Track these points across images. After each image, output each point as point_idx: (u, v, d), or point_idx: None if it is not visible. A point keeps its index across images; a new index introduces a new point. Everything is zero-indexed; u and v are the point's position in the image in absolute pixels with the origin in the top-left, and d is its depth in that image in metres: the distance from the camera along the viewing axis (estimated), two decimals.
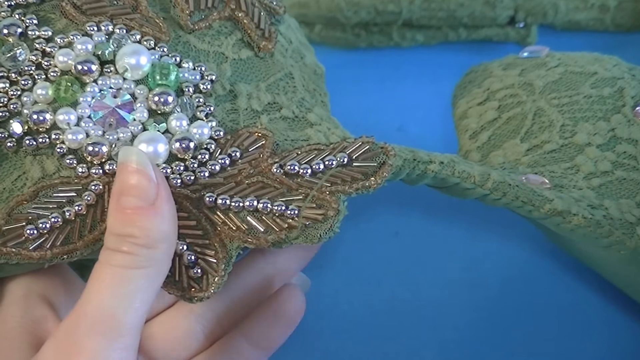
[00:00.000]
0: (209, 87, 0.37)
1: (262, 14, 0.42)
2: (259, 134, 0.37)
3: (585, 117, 0.46)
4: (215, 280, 0.34)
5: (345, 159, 0.36)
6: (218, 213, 0.35)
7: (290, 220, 0.34)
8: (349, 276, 0.48)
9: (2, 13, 0.37)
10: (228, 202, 0.35)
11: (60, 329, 0.31)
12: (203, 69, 0.38)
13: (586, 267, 0.47)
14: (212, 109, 0.37)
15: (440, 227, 0.51)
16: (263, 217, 0.35)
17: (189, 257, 0.34)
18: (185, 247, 0.34)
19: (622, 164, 0.44)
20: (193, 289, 0.34)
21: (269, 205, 0.34)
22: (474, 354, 0.46)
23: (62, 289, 0.38)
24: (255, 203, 0.34)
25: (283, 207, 0.34)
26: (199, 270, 0.34)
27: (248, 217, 0.35)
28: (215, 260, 0.34)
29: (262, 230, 0.34)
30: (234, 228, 0.34)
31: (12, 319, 0.35)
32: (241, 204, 0.35)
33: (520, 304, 0.48)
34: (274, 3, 0.43)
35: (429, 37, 0.65)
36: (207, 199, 0.35)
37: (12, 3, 0.38)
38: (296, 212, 0.34)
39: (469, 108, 0.53)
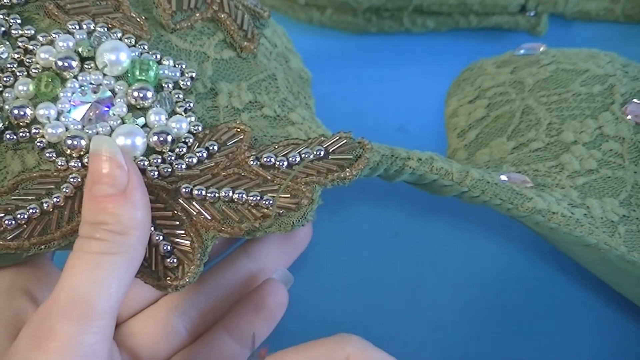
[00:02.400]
0: (188, 84, 0.38)
1: (245, 16, 0.42)
2: (238, 129, 0.37)
3: (573, 115, 0.46)
4: (191, 269, 0.34)
5: (322, 152, 0.36)
6: (194, 203, 0.35)
7: (265, 210, 0.34)
8: (348, 276, 0.48)
9: None
10: (204, 192, 0.35)
11: (34, 316, 0.31)
12: (184, 66, 0.38)
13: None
14: (191, 104, 0.37)
15: (441, 228, 0.51)
16: (238, 207, 0.35)
17: (164, 247, 0.34)
18: (161, 238, 0.34)
19: (607, 162, 0.44)
20: (169, 278, 0.34)
21: (244, 195, 0.35)
22: (474, 354, 0.46)
23: (44, 282, 0.38)
24: (230, 194, 0.35)
25: (258, 198, 0.35)
26: (175, 260, 0.34)
27: (223, 207, 0.35)
28: (190, 250, 0.34)
29: (237, 219, 0.34)
30: (209, 218, 0.35)
31: None
32: (217, 195, 0.35)
33: (520, 304, 0.48)
34: (258, 7, 0.44)
35: (440, 24, 0.65)
36: (184, 189, 0.35)
37: None
38: (270, 202, 0.34)
39: (459, 106, 0.53)
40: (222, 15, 0.41)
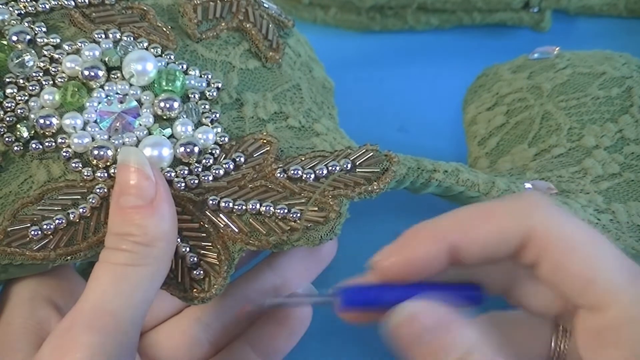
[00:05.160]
0: (214, 94, 0.38)
1: (270, 26, 0.42)
2: (264, 140, 0.37)
3: (593, 119, 0.46)
4: (218, 281, 0.34)
5: (349, 165, 0.36)
6: (221, 216, 0.35)
7: (293, 222, 0.34)
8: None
9: (12, 21, 0.38)
10: (231, 205, 0.35)
11: (58, 326, 0.31)
12: (209, 76, 0.38)
13: None
14: (217, 115, 0.37)
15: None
16: (265, 219, 0.35)
17: (191, 259, 0.34)
18: (188, 249, 0.34)
19: (630, 165, 0.43)
20: (195, 290, 0.34)
21: (271, 208, 0.34)
22: None
23: (67, 291, 0.38)
24: (258, 206, 0.34)
25: (285, 210, 0.34)
26: (202, 272, 0.34)
27: (251, 220, 0.35)
28: (217, 262, 0.34)
29: (264, 232, 0.34)
30: (236, 230, 0.34)
31: (17, 320, 0.36)
32: (244, 207, 0.35)
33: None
34: (283, 16, 0.44)
35: (443, 21, 0.66)
36: (211, 201, 0.35)
37: (22, 12, 0.38)
38: (298, 215, 0.34)
39: (478, 114, 0.53)
40: (248, 25, 0.41)
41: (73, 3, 0.38)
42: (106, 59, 0.37)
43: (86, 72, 0.36)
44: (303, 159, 0.37)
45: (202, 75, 0.38)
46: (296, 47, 0.45)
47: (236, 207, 0.35)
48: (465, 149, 0.56)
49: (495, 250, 0.30)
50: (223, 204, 0.35)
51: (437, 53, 0.65)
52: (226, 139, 0.37)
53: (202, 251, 0.34)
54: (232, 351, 0.40)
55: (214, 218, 0.35)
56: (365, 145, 0.37)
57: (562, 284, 0.29)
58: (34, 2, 0.38)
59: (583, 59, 0.51)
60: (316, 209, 0.34)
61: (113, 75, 0.36)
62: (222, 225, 0.35)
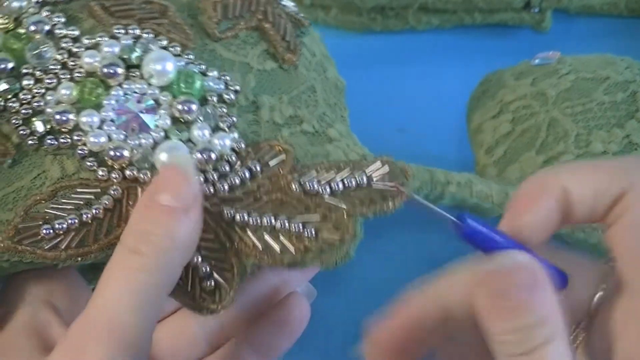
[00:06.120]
0: (232, 97, 0.37)
1: (288, 26, 0.42)
2: (280, 148, 0.37)
3: (600, 124, 0.46)
4: (230, 294, 0.34)
5: (364, 179, 0.36)
6: (236, 228, 0.35)
7: (307, 241, 0.34)
8: (372, 291, 0.48)
9: (30, 9, 0.37)
10: (246, 218, 0.34)
11: (68, 334, 0.30)
12: (228, 78, 0.38)
13: None
14: (234, 119, 0.37)
15: (441, 234, 0.51)
16: (280, 235, 0.34)
17: (203, 269, 0.34)
18: (200, 259, 0.34)
19: None
20: (205, 301, 0.34)
21: (286, 223, 0.34)
22: None
23: (66, 293, 0.38)
24: (272, 221, 0.34)
25: (300, 227, 0.34)
26: (213, 283, 0.34)
27: (265, 235, 0.34)
28: (230, 275, 0.34)
29: (279, 250, 0.34)
30: (250, 246, 0.34)
31: (18, 323, 0.35)
32: (259, 221, 0.34)
33: None
34: (300, 15, 0.43)
35: (444, 21, 0.66)
36: (226, 214, 0.35)
37: (40, 0, 0.38)
38: (313, 232, 0.34)
39: (483, 122, 0.53)
40: (267, 25, 0.41)
41: None
42: (125, 57, 0.36)
43: (105, 70, 0.35)
44: (319, 169, 0.36)
45: (221, 77, 0.38)
46: (311, 46, 0.45)
47: (251, 220, 0.34)
48: (466, 148, 0.56)
49: (600, 201, 0.31)
50: (238, 217, 0.34)
51: (438, 53, 0.65)
52: (242, 145, 0.36)
53: (215, 262, 0.34)
54: (230, 349, 0.40)
55: (228, 230, 0.35)
56: (381, 157, 0.37)
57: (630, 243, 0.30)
58: None
59: (585, 64, 0.51)
60: (331, 227, 0.34)
61: (132, 74, 0.36)
62: (236, 239, 0.35)
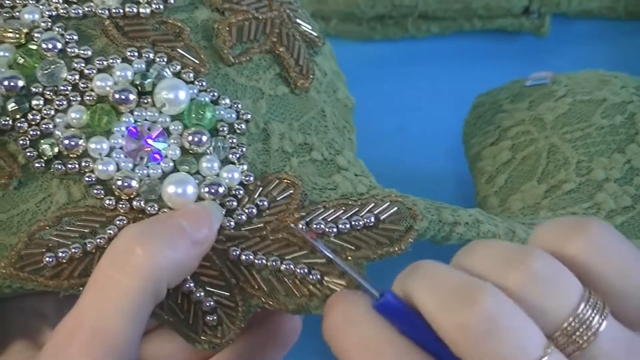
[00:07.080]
0: (243, 127, 0.37)
1: (301, 49, 0.41)
2: (288, 182, 0.37)
3: (600, 150, 0.46)
4: (232, 331, 0.34)
5: (372, 220, 0.36)
6: (241, 268, 0.35)
7: (311, 286, 0.34)
8: None
9: (43, 24, 0.36)
10: (252, 258, 0.34)
11: (52, 341, 0.30)
12: (239, 106, 0.37)
13: None
14: (244, 150, 0.37)
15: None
16: (285, 278, 0.35)
17: (207, 304, 0.34)
18: (202, 294, 0.34)
19: None
20: (206, 335, 0.34)
21: (291, 266, 0.34)
22: None
23: (51, 299, 0.38)
24: (278, 263, 0.34)
25: (305, 270, 0.34)
26: (216, 318, 0.34)
27: (270, 277, 0.34)
28: (234, 314, 0.34)
29: (283, 293, 0.34)
30: (255, 287, 0.34)
31: (11, 332, 0.36)
32: (264, 263, 0.34)
33: None
34: (314, 34, 0.43)
35: (444, 28, 0.67)
36: (232, 252, 0.35)
37: (54, 13, 0.37)
38: (318, 276, 0.34)
39: (482, 149, 0.52)
40: (281, 49, 0.40)
41: (107, 13, 0.37)
42: (138, 82, 0.36)
43: (117, 96, 0.35)
44: (326, 206, 0.36)
45: (232, 106, 0.37)
46: (323, 65, 0.44)
47: (257, 261, 0.34)
48: (462, 149, 0.56)
49: None
50: (244, 257, 0.34)
51: (438, 59, 0.66)
52: (251, 179, 0.36)
53: (219, 298, 0.34)
54: None
55: (234, 269, 0.35)
56: (390, 195, 0.37)
57: None
58: (66, 5, 0.37)
59: (580, 84, 0.51)
60: (336, 271, 0.34)
61: (143, 101, 0.36)
62: (241, 279, 0.35)
